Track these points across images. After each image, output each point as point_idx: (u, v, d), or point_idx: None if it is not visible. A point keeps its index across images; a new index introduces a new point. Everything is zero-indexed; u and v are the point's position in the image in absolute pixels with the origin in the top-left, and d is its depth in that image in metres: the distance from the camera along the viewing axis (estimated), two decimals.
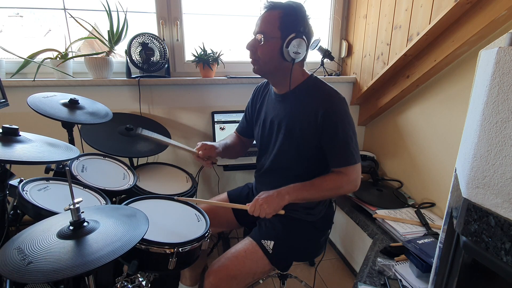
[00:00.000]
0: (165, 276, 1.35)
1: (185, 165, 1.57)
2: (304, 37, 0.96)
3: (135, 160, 1.53)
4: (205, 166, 1.16)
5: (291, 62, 0.98)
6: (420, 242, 1.21)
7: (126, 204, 1.00)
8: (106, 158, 1.28)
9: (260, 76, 1.08)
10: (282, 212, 0.98)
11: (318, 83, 1.06)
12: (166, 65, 1.70)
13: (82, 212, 0.71)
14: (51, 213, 0.83)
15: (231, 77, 1.77)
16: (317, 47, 1.85)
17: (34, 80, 1.51)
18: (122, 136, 1.41)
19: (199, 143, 1.14)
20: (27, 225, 0.74)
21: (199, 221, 1.04)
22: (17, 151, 0.77)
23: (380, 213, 1.51)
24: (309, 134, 1.02)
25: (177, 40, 1.77)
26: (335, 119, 0.98)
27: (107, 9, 1.57)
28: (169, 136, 1.61)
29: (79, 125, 1.30)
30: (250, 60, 1.04)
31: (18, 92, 1.52)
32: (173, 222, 1.02)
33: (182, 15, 1.75)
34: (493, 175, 0.50)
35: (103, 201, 1.01)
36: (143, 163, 1.53)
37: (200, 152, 1.11)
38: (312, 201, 1.09)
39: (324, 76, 1.96)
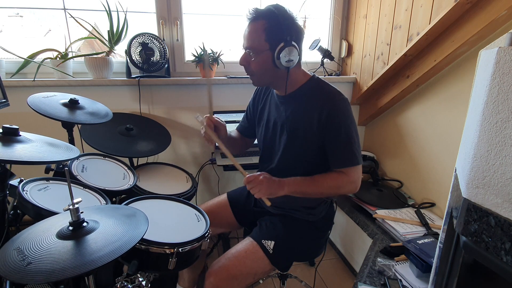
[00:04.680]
0: (164, 276, 1.35)
1: (185, 165, 1.57)
2: (293, 43, 0.94)
3: (135, 160, 1.53)
4: (208, 143, 1.07)
5: (285, 70, 0.98)
6: (420, 242, 1.21)
7: (126, 204, 1.00)
8: (106, 158, 1.28)
9: None
10: (269, 203, 0.97)
11: (321, 84, 1.06)
12: (166, 65, 1.70)
13: (81, 212, 0.71)
14: (51, 213, 0.83)
15: (231, 77, 1.77)
16: (317, 47, 1.85)
17: (34, 80, 1.51)
18: (122, 136, 1.41)
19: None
20: (27, 225, 0.74)
21: (199, 221, 1.04)
22: (17, 151, 0.77)
23: (380, 213, 1.51)
24: (312, 135, 1.02)
25: (177, 40, 1.77)
26: (338, 120, 0.98)
27: (107, 9, 1.57)
28: (169, 137, 1.60)
29: (79, 125, 1.30)
30: (247, 74, 1.04)
31: (18, 92, 1.52)
32: (173, 222, 1.02)
33: (182, 15, 1.75)
34: (493, 175, 0.50)
35: (103, 201, 1.01)
36: (143, 163, 1.53)
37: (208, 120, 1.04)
38: (310, 197, 1.08)
39: (324, 76, 1.96)
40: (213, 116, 1.08)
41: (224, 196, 1.33)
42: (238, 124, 1.35)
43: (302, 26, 1.00)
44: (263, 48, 0.95)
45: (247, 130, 1.30)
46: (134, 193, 1.16)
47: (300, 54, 0.98)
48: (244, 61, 1.01)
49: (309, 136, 1.03)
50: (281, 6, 0.95)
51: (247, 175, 0.96)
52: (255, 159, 1.29)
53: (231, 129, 1.37)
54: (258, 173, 0.98)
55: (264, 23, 0.94)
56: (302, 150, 1.06)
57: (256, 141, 1.30)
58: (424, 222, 1.42)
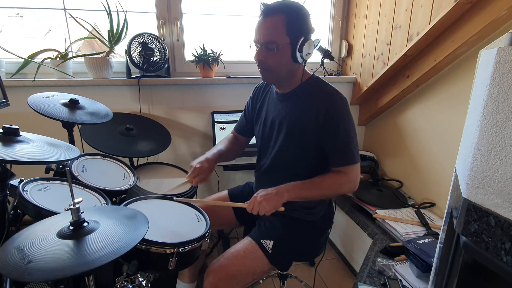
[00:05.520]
0: (165, 276, 1.35)
1: (185, 165, 1.56)
2: (311, 37, 0.98)
3: (135, 160, 1.53)
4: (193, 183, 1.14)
5: (302, 63, 1.01)
6: (420, 242, 1.21)
7: (126, 204, 1.00)
8: (106, 158, 1.28)
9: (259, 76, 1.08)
10: (282, 208, 0.97)
11: (320, 83, 1.06)
12: (166, 65, 1.70)
13: (82, 212, 0.71)
14: (52, 213, 0.83)
15: (231, 77, 1.77)
16: (317, 47, 1.85)
17: (34, 80, 1.51)
18: (122, 136, 1.41)
19: (192, 164, 1.12)
20: (27, 225, 0.74)
21: (199, 221, 1.04)
22: (18, 151, 0.77)
23: (380, 213, 1.51)
24: (310, 133, 1.02)
25: (177, 40, 1.77)
26: (336, 119, 0.98)
27: (107, 9, 1.57)
28: (169, 138, 1.61)
29: (79, 125, 1.30)
30: (260, 70, 1.02)
31: (18, 92, 1.52)
32: (173, 222, 1.01)
33: (182, 15, 1.75)
34: (493, 175, 0.50)
35: (103, 201, 1.01)
36: (143, 163, 1.53)
37: (194, 179, 1.11)
38: (311, 199, 1.08)
39: (324, 76, 1.96)
40: (194, 176, 1.11)
41: (224, 193, 1.33)
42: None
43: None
44: (284, 42, 0.95)
45: (245, 129, 1.31)
46: (134, 193, 1.16)
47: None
48: (261, 56, 0.98)
49: (306, 134, 1.03)
50: (299, 3, 0.97)
51: (246, 206, 0.97)
52: (255, 159, 1.29)
53: (231, 129, 1.37)
54: (253, 196, 0.98)
55: (283, 17, 0.93)
56: (298, 149, 1.06)
57: (254, 141, 1.29)
58: (424, 222, 1.42)
